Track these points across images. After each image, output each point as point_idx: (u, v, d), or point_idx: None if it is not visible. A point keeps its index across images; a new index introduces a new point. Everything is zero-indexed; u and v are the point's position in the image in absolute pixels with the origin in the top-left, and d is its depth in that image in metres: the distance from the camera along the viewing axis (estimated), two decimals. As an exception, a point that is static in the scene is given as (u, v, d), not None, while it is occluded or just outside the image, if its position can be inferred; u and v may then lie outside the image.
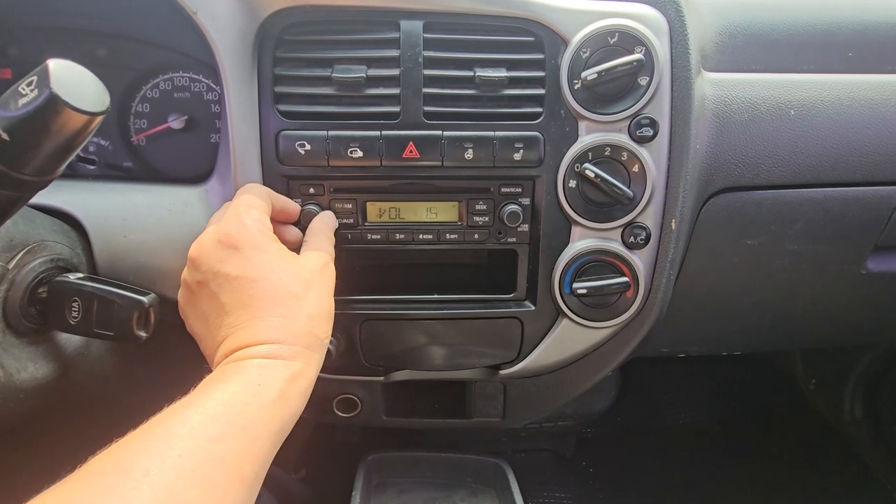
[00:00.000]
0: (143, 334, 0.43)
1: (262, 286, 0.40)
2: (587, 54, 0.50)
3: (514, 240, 0.55)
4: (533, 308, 0.57)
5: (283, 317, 0.39)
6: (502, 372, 0.59)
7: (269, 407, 0.35)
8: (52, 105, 0.27)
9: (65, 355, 0.45)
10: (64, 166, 0.32)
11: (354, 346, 0.57)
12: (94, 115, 0.28)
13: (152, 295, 0.44)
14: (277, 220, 0.49)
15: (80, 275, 0.44)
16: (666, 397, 1.19)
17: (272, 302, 0.39)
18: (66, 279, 0.42)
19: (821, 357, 1.15)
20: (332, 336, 0.56)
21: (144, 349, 0.48)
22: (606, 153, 0.52)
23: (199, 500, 0.29)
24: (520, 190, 0.54)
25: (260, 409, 0.34)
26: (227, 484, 0.30)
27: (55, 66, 0.27)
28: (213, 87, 0.61)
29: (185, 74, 0.62)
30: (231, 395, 0.34)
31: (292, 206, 0.51)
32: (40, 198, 0.43)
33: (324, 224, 0.50)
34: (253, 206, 0.44)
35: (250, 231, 0.42)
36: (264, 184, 0.51)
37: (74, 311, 0.42)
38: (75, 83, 0.27)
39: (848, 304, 0.69)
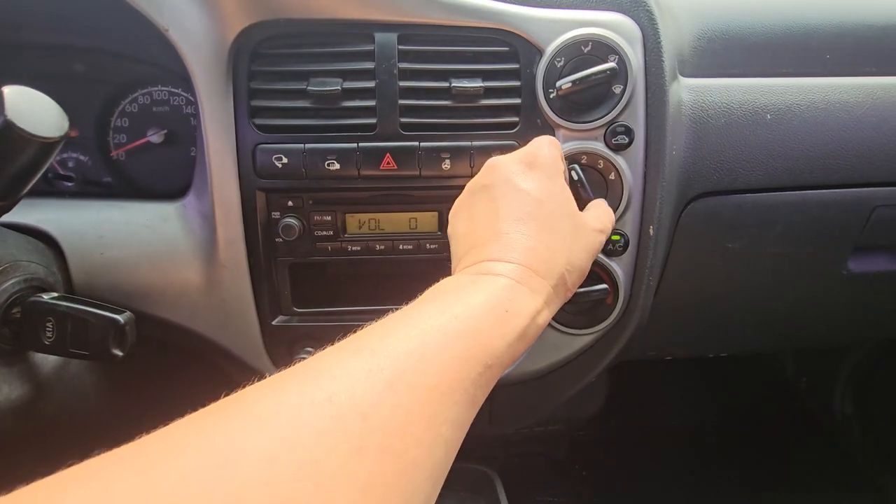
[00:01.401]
0: (118, 353, 0.43)
1: (541, 209, 0.38)
2: (561, 63, 0.50)
3: (495, 249, 0.55)
4: (515, 316, 0.57)
5: (547, 247, 0.37)
6: (486, 380, 0.59)
7: (510, 340, 0.32)
8: (8, 132, 0.27)
9: (41, 376, 0.45)
10: (27, 189, 0.32)
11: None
12: (50, 140, 0.28)
13: (127, 313, 0.43)
14: None
15: (55, 294, 0.44)
16: (658, 399, 1.19)
17: (543, 228, 0.38)
18: (39, 299, 0.42)
19: (811, 355, 1.15)
20: (313, 347, 0.56)
21: (124, 366, 0.48)
22: (583, 161, 0.52)
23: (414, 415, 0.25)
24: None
25: (502, 337, 0.31)
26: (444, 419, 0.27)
27: (10, 92, 0.27)
28: (192, 100, 0.61)
29: (163, 88, 0.62)
30: (477, 313, 0.31)
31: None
32: (14, 216, 0.43)
33: (609, 210, 0.49)
34: (556, 144, 0.45)
35: (549, 158, 0.42)
36: (242, 198, 0.51)
37: (49, 332, 0.42)
38: (32, 109, 0.27)
39: (831, 306, 0.70)
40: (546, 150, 0.43)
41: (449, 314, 0.30)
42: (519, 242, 0.37)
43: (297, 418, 0.23)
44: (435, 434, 0.26)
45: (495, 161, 0.42)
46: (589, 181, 0.51)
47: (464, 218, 0.41)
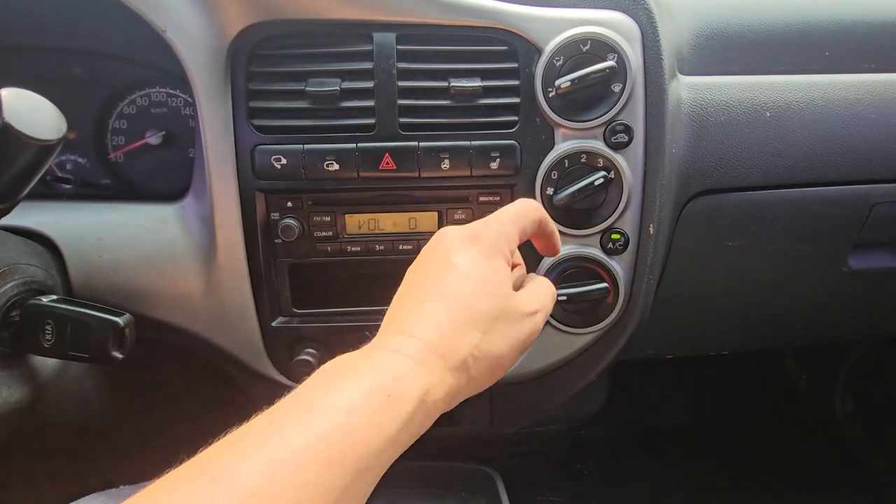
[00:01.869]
0: (118, 355, 0.43)
1: (464, 286, 0.35)
2: (560, 62, 0.50)
3: (494, 248, 0.55)
4: (515, 316, 0.56)
5: (455, 327, 0.34)
6: (487, 380, 0.59)
7: (391, 432, 0.29)
8: (5, 135, 0.27)
9: (40, 378, 0.45)
10: (25, 192, 0.31)
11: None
12: (48, 143, 0.28)
13: (127, 315, 0.43)
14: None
15: (54, 297, 0.44)
16: (659, 397, 1.19)
17: (458, 306, 0.34)
18: (38, 302, 0.42)
19: (811, 353, 1.15)
20: (313, 349, 0.56)
21: (124, 368, 0.48)
22: (582, 160, 0.52)
23: None
24: (498, 198, 0.54)
25: (382, 431, 0.28)
26: None
27: (8, 95, 0.27)
28: (191, 101, 0.61)
29: (161, 90, 0.62)
30: (354, 404, 0.28)
31: (553, 242, 0.44)
32: (13, 219, 0.43)
33: (549, 286, 0.42)
34: (516, 219, 0.40)
35: (494, 235, 0.38)
36: (241, 200, 0.51)
37: (48, 334, 0.42)
38: (29, 112, 0.27)
39: (831, 303, 0.70)
40: (494, 226, 0.39)
41: (318, 411, 0.27)
42: (429, 318, 0.34)
43: None
44: None
45: (442, 232, 0.39)
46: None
47: (401, 285, 0.39)
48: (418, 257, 0.40)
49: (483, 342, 0.35)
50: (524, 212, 0.41)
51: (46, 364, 0.47)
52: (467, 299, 0.35)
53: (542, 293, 0.40)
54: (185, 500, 0.24)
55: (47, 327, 0.42)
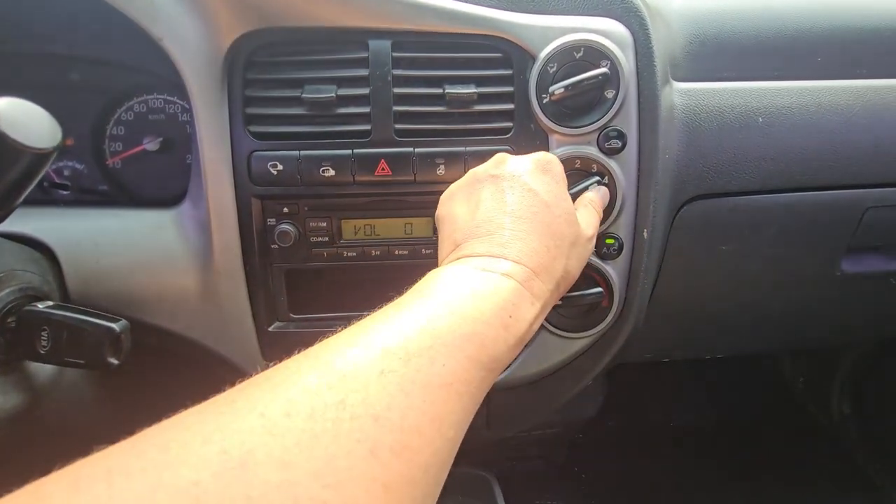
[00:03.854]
0: (114, 361, 0.43)
1: (548, 212, 0.38)
2: (554, 69, 0.51)
3: (490, 253, 0.55)
4: (511, 320, 0.57)
5: (548, 251, 0.36)
6: (483, 384, 0.59)
7: (511, 344, 0.32)
8: (0, 143, 0.27)
9: (36, 385, 0.45)
10: (21, 200, 0.32)
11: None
12: (43, 151, 0.28)
13: (123, 321, 0.43)
14: None
15: (50, 303, 0.44)
16: (656, 400, 1.19)
17: (547, 232, 0.37)
18: (34, 308, 0.42)
19: (808, 356, 1.16)
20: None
21: (120, 374, 0.48)
22: (576, 165, 0.52)
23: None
24: (493, 204, 0.54)
25: (505, 342, 0.31)
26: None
27: (2, 103, 0.27)
28: (188, 108, 0.61)
29: (159, 96, 0.62)
30: (486, 317, 0.31)
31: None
32: (9, 225, 0.43)
33: (599, 200, 0.49)
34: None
35: (560, 167, 0.42)
36: (237, 205, 0.51)
37: (44, 341, 0.42)
38: (24, 120, 0.27)
39: (826, 307, 0.70)
40: (556, 161, 0.43)
41: (458, 315, 0.30)
42: (523, 242, 0.36)
43: (311, 420, 0.23)
44: (443, 435, 0.27)
45: (507, 155, 0.42)
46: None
47: (463, 203, 0.40)
48: (476, 176, 0.41)
49: (567, 266, 0.39)
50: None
51: (42, 370, 0.47)
52: (554, 228, 0.38)
53: (594, 219, 0.46)
54: (360, 367, 0.26)
55: (43, 333, 0.42)
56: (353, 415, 0.24)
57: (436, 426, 0.26)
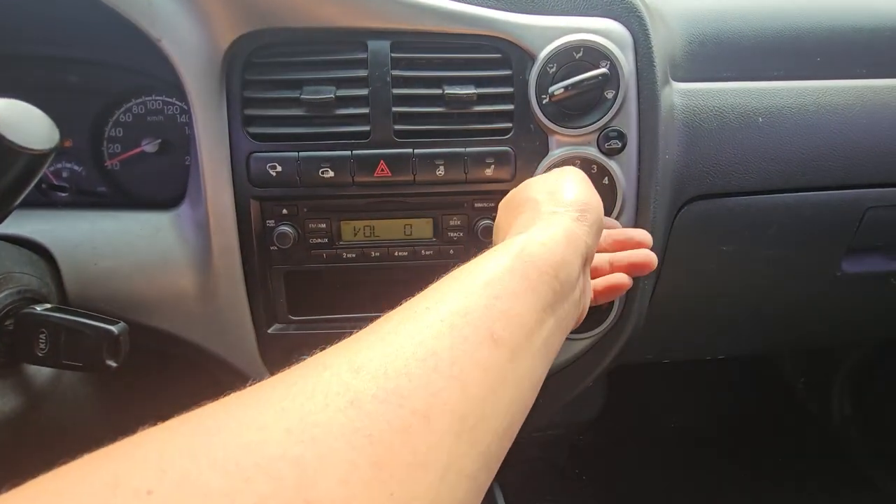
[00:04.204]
0: (112, 364, 0.42)
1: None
2: (554, 69, 0.50)
3: (490, 254, 0.55)
4: (511, 321, 0.57)
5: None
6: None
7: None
8: (-2, 145, 0.27)
9: (34, 388, 0.45)
10: (18, 202, 0.32)
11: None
12: (41, 153, 0.28)
13: (121, 324, 0.43)
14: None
15: (48, 305, 0.43)
16: (657, 401, 1.19)
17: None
18: (32, 310, 0.42)
19: (808, 357, 1.16)
20: (310, 356, 0.56)
21: (119, 377, 0.48)
22: (576, 166, 0.52)
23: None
24: (493, 204, 0.54)
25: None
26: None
27: (0, 105, 0.27)
28: (186, 109, 0.61)
29: (157, 98, 0.62)
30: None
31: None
32: (7, 227, 0.43)
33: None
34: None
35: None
36: (236, 207, 0.51)
37: (42, 343, 0.41)
38: (21, 122, 0.27)
39: (826, 307, 0.70)
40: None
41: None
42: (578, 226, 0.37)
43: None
44: (446, 375, 0.24)
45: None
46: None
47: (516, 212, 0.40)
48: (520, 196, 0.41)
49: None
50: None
51: (40, 374, 0.46)
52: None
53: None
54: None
55: (41, 336, 0.41)
56: (325, 364, 0.23)
57: (431, 363, 0.23)
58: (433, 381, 0.23)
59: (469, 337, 0.25)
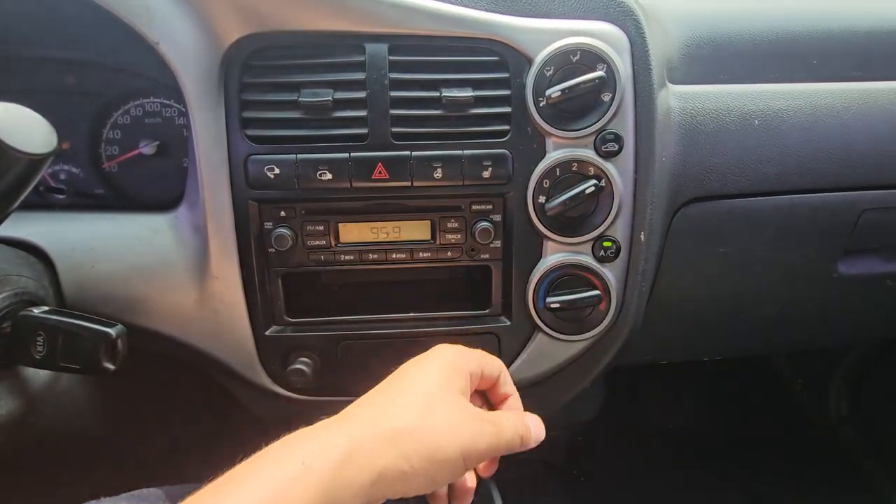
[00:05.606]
0: (110, 366, 0.43)
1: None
2: (551, 72, 0.51)
3: (487, 256, 0.55)
4: (509, 323, 0.57)
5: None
6: (481, 388, 0.59)
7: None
8: (-5, 149, 0.27)
9: (31, 390, 0.45)
10: (16, 205, 0.32)
11: (332, 366, 0.57)
12: (39, 156, 0.28)
13: (119, 326, 0.43)
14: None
15: (45, 308, 0.43)
16: (655, 402, 1.20)
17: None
18: (30, 313, 0.42)
19: (806, 357, 1.16)
20: (307, 357, 0.56)
21: (117, 379, 0.48)
22: (573, 168, 0.52)
23: None
24: (490, 207, 0.54)
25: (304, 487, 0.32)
26: None
27: (-3, 110, 0.27)
28: (184, 112, 0.61)
29: (155, 100, 0.62)
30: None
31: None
32: (5, 230, 0.43)
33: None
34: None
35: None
36: (234, 209, 0.51)
37: (39, 346, 0.41)
38: (19, 125, 0.27)
39: (823, 308, 0.70)
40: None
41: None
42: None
43: None
44: None
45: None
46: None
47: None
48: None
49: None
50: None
51: (38, 375, 0.46)
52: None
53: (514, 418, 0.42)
54: None
55: (38, 338, 0.41)
56: None
57: None
58: None
59: None
